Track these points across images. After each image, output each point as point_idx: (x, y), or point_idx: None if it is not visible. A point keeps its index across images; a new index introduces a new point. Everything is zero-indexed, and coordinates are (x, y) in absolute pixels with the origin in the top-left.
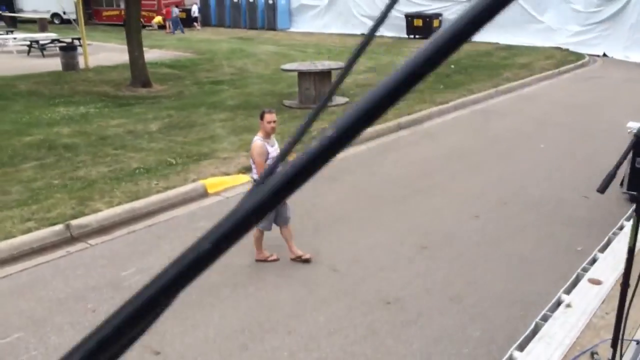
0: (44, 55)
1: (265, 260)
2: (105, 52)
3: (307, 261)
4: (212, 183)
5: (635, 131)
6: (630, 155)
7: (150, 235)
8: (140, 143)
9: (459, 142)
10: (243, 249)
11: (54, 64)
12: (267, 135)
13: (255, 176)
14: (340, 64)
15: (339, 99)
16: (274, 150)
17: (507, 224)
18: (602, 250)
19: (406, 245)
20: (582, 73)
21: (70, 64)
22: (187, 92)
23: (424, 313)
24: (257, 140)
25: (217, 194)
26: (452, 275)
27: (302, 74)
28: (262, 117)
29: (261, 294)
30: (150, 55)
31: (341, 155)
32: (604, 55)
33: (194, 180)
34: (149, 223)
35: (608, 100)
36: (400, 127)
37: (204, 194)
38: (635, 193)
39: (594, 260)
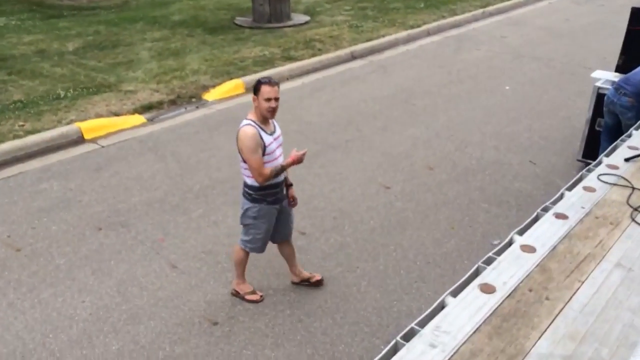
0: None
1: (244, 298)
2: None
3: (318, 283)
4: (91, 126)
5: (599, 85)
6: (589, 115)
7: None
8: (42, 67)
9: (413, 78)
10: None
11: None
12: (262, 119)
13: (249, 180)
14: None
15: (298, 18)
16: (274, 140)
17: (421, 200)
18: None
19: None
20: None
21: None
22: (133, 3)
23: (250, 344)
24: (247, 125)
25: (94, 140)
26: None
27: None
28: (256, 90)
29: (56, 302)
30: None
31: None
32: None
33: (70, 122)
34: None
35: (606, 27)
36: (353, 57)
37: (77, 141)
38: (590, 162)
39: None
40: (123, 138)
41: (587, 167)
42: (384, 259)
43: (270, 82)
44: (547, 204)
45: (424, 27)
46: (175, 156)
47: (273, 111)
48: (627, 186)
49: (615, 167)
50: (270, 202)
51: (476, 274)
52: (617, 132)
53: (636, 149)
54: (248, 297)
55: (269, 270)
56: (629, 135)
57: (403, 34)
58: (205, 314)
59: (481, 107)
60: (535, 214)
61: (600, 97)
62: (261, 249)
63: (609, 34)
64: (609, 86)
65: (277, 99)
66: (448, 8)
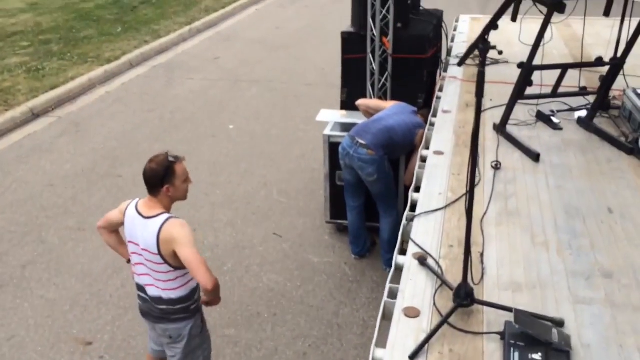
0: None
1: None
2: None
3: None
4: None
5: (329, 133)
6: (327, 170)
7: None
8: None
9: (117, 135)
10: None
11: None
12: (169, 208)
13: (180, 291)
14: None
15: None
16: None
17: None
18: None
19: None
20: None
21: None
22: None
23: None
24: (172, 217)
25: None
26: None
27: None
28: (167, 177)
29: None
30: None
31: None
32: None
33: None
34: None
35: (316, 32)
36: (34, 115)
37: None
38: (340, 222)
39: None
40: None
41: None
42: None
43: (178, 157)
44: None
45: (125, 59)
46: None
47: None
48: None
49: None
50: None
51: None
52: (360, 188)
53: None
54: None
55: None
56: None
57: (99, 71)
58: None
59: (206, 161)
60: None
61: (333, 147)
62: None
63: (321, 40)
64: (339, 132)
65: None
66: (150, 29)
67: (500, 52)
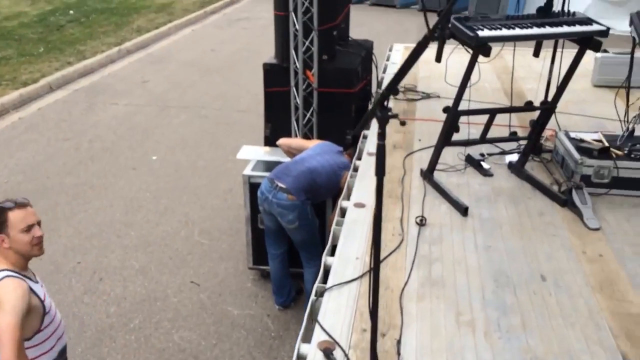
0: None
1: None
2: None
3: None
4: None
5: (249, 173)
6: (248, 212)
7: None
8: None
9: (25, 167)
10: None
11: None
12: (22, 263)
13: None
14: None
15: None
16: (46, 292)
17: None
18: None
19: None
20: (231, 13)
21: None
22: None
23: None
24: (6, 277)
25: None
26: None
27: None
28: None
29: None
30: None
31: None
32: None
33: None
34: None
35: (252, 56)
36: None
37: None
38: (266, 268)
39: None
40: None
41: None
42: None
43: (19, 203)
44: None
45: (44, 81)
46: None
47: (40, 243)
48: None
49: None
50: None
51: None
52: (282, 234)
53: None
54: None
55: None
56: None
57: (13, 95)
58: None
59: (123, 197)
60: None
61: (254, 188)
62: None
63: (257, 63)
64: (261, 171)
65: (40, 223)
66: (75, 50)
67: (403, 123)
